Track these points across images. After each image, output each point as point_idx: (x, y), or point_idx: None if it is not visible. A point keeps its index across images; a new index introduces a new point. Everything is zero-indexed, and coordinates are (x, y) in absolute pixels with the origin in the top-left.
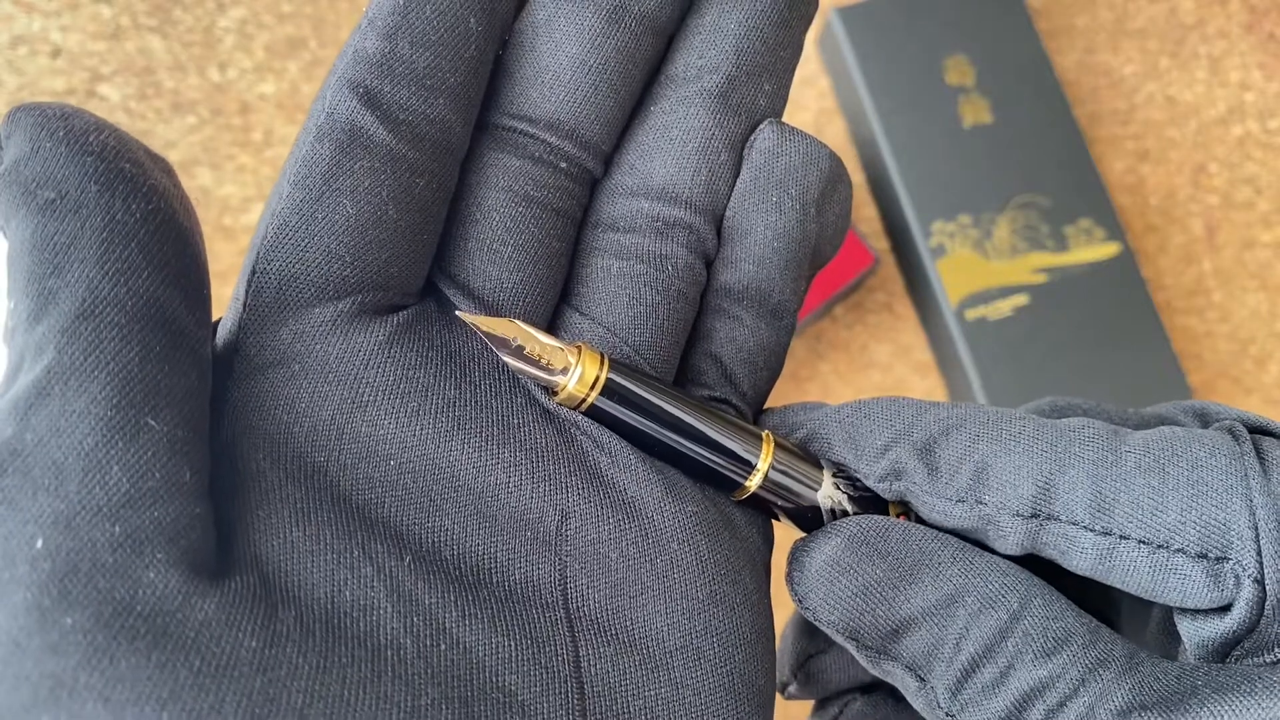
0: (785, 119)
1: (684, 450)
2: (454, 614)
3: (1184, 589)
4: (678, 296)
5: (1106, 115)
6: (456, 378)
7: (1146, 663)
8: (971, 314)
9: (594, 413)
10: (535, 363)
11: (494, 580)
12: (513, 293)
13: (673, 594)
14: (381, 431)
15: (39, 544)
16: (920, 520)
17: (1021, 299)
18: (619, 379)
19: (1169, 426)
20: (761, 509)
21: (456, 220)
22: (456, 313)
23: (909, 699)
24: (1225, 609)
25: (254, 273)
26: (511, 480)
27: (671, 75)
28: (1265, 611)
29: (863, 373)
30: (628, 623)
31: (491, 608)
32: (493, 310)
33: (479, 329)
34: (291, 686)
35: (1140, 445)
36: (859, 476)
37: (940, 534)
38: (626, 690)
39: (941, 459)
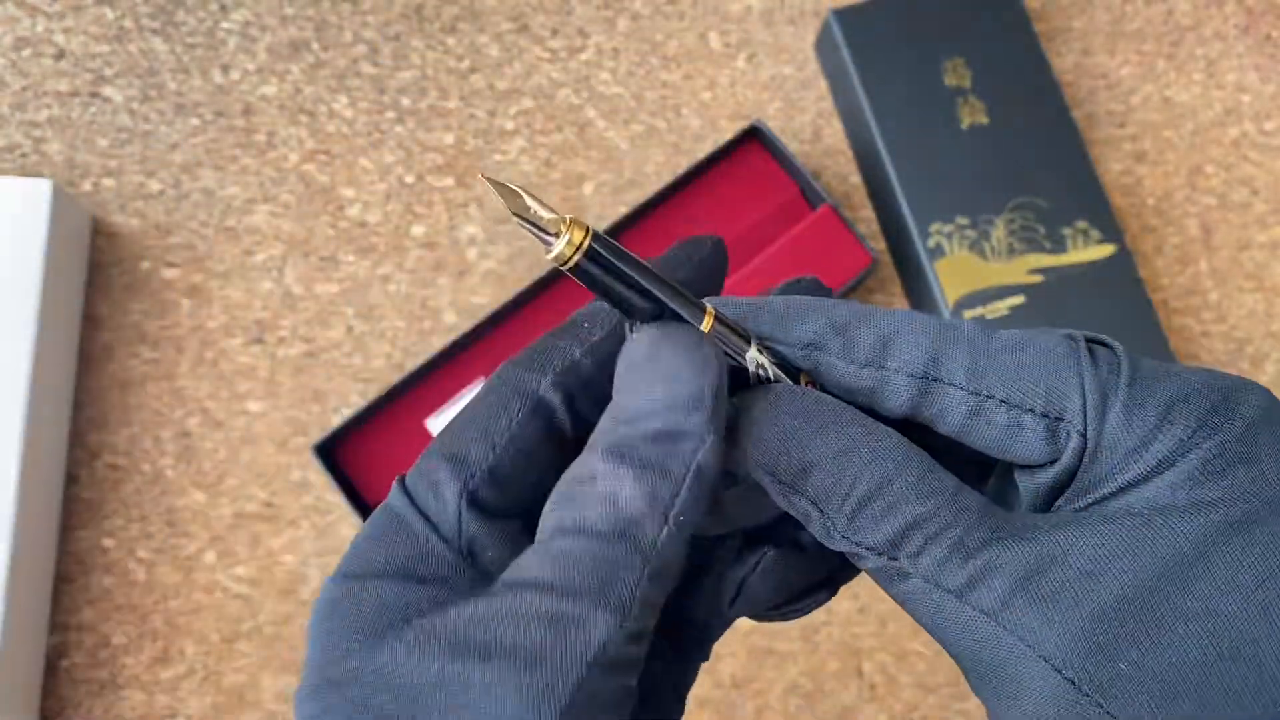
0: (785, 121)
1: (643, 307)
2: None
3: (1029, 442)
4: None
5: (1103, 117)
6: None
7: (1000, 511)
8: (969, 314)
9: (576, 271)
10: (535, 224)
11: None
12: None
13: None
14: None
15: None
16: (826, 392)
17: (1018, 299)
18: (599, 247)
19: (1028, 330)
20: None
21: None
22: (481, 174)
23: (810, 528)
24: (1054, 462)
25: None
26: None
27: None
28: (1084, 460)
29: None
30: None
31: None
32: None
33: (494, 185)
34: None
35: (1006, 334)
36: (779, 349)
37: (844, 403)
38: None
39: (855, 335)
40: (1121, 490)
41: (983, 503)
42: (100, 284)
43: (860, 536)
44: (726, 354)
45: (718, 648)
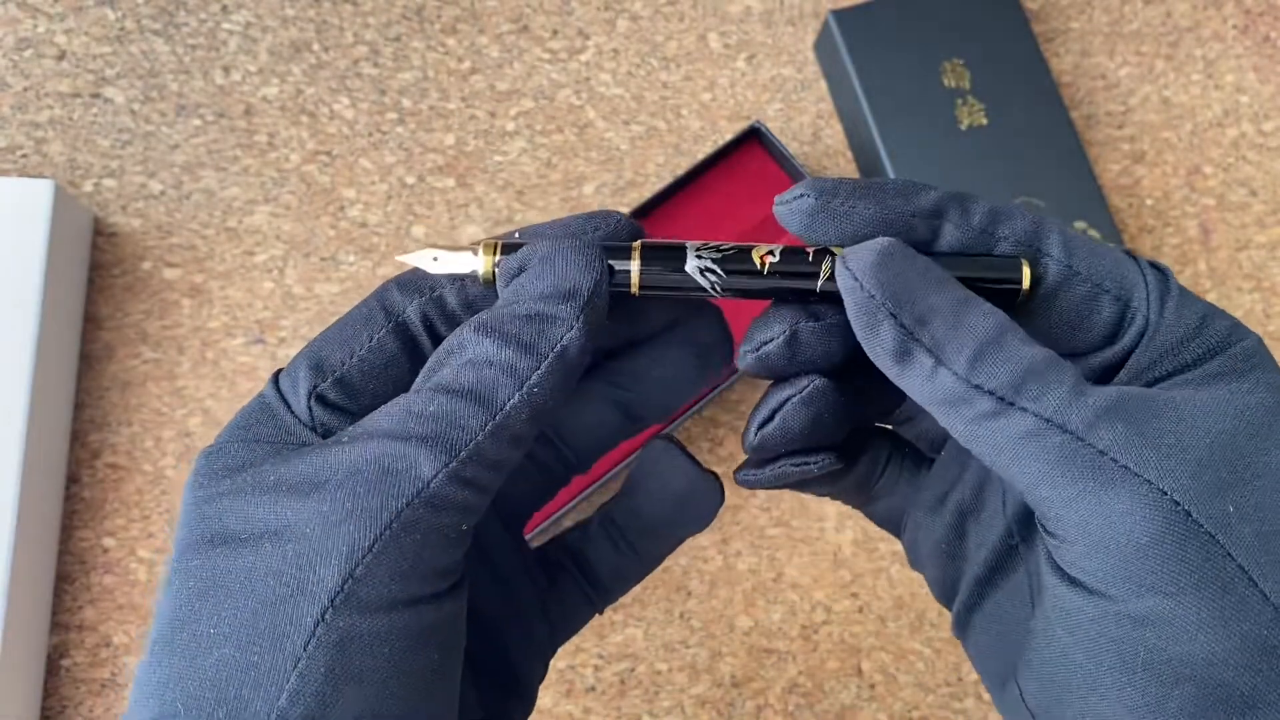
0: (785, 122)
1: None
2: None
3: (1102, 317)
4: None
5: (1102, 117)
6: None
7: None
8: None
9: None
10: (453, 265)
11: None
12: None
13: None
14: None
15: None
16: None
17: None
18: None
19: None
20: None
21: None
22: (398, 256)
23: (919, 383)
24: (1113, 342)
25: None
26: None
27: None
28: (1142, 342)
29: None
30: None
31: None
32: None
33: (408, 262)
34: None
35: (1083, 235)
36: (718, 251)
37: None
38: None
39: (971, 206)
40: (1172, 373)
41: (1075, 367)
42: (101, 284)
43: (982, 379)
44: (673, 279)
45: (717, 646)
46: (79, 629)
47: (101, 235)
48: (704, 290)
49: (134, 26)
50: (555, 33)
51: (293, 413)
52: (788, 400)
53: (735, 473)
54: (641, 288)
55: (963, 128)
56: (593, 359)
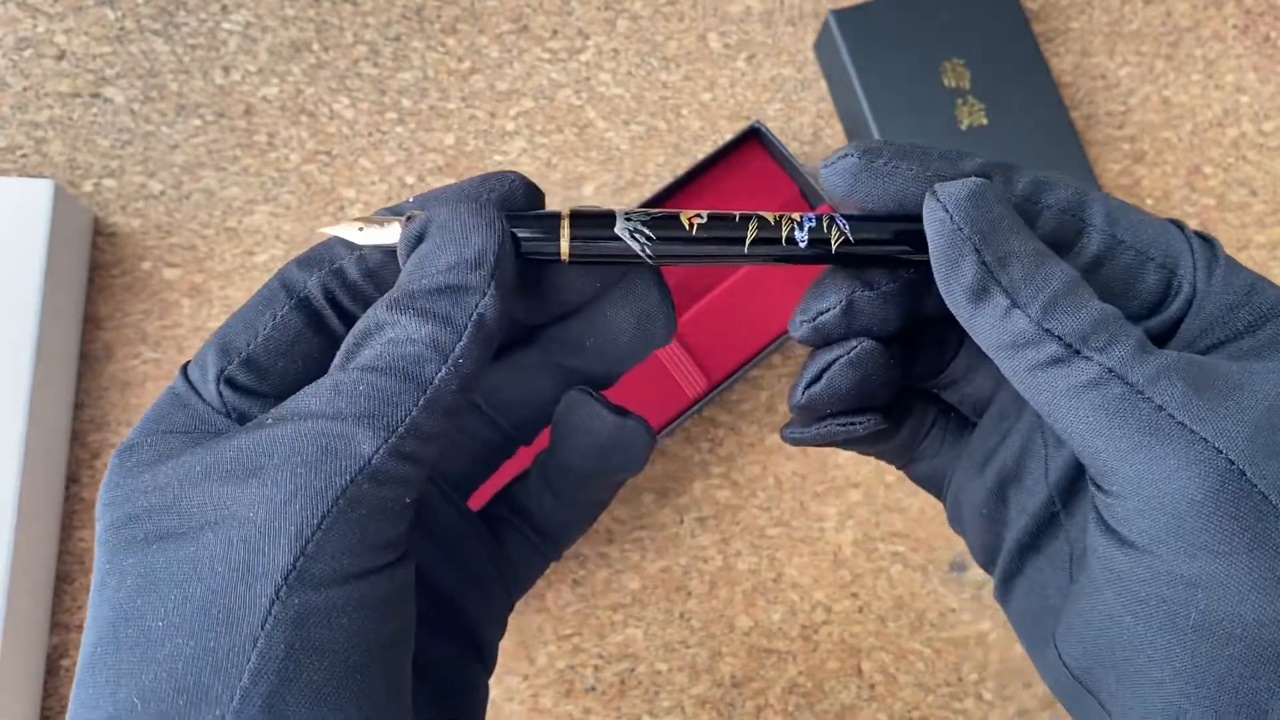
0: (785, 122)
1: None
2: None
3: (1148, 285)
4: None
5: (1102, 117)
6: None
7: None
8: None
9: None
10: (378, 237)
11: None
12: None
13: None
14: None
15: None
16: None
17: None
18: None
19: None
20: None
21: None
22: (322, 229)
23: (989, 324)
24: (1158, 311)
25: None
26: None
27: None
28: (1190, 310)
29: None
30: None
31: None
32: None
33: (334, 235)
34: None
35: (1127, 204)
36: (644, 214)
37: None
38: None
39: (1014, 173)
40: (1222, 343)
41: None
42: (101, 284)
43: (1053, 324)
44: (604, 247)
45: (717, 646)
46: (79, 629)
47: (101, 235)
48: (635, 255)
49: (134, 26)
50: (555, 33)
51: (203, 400)
52: (835, 361)
53: (782, 431)
54: (572, 255)
55: (963, 128)
56: (529, 329)
